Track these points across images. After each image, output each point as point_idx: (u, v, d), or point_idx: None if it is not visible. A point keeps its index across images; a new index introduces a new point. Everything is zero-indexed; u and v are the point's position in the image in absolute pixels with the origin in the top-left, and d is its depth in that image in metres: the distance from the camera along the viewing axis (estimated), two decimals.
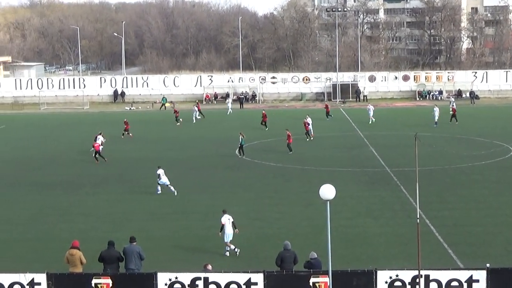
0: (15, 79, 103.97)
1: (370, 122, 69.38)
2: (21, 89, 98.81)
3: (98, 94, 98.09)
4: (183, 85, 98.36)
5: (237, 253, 28.85)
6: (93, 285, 22.01)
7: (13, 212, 36.58)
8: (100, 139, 53.20)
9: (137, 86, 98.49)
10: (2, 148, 58.28)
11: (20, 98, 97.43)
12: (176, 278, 22.11)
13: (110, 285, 22.06)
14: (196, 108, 75.82)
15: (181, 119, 71.67)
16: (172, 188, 39.86)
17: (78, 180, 44.50)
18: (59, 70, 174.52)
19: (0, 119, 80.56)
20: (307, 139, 58.14)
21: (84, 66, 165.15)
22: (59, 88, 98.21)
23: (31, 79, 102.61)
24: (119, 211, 36.81)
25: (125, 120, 63.28)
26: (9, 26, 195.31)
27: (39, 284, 21.71)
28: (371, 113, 70.33)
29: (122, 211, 36.77)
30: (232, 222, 29.07)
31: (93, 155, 50.43)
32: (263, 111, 68.91)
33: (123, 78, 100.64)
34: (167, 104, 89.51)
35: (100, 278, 22.13)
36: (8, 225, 34.19)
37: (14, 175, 46.47)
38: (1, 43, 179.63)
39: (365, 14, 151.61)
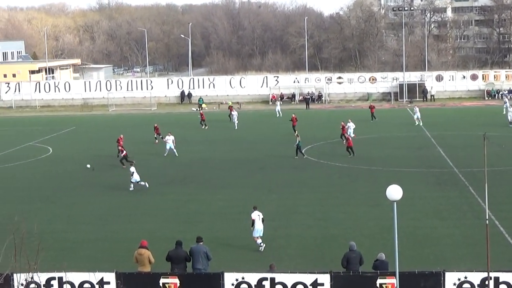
0: (85, 81, 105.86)
1: (416, 124, 67.81)
2: (90, 91, 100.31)
3: (165, 95, 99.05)
4: (249, 86, 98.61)
5: (262, 249, 29.36)
6: (161, 284, 22.21)
7: (83, 212, 37.22)
8: (171, 138, 53.99)
9: (203, 87, 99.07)
10: (72, 149, 59.29)
11: (89, 100, 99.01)
12: (243, 278, 22.13)
13: (178, 284, 22.22)
14: (234, 112, 72.58)
15: (207, 126, 70.78)
16: (143, 183, 41.85)
17: (146, 180, 44.96)
18: (127, 72, 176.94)
19: (70, 120, 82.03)
20: (344, 142, 56.15)
21: (152, 68, 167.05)
22: (127, 89, 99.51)
23: (100, 81, 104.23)
24: (186, 211, 37.11)
25: (155, 125, 62.50)
26: (79, 29, 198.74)
27: (108, 283, 21.99)
28: (417, 115, 68.81)
29: (189, 211, 37.06)
30: (262, 218, 29.75)
31: (120, 159, 50.39)
32: (293, 115, 66.18)
33: (190, 79, 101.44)
34: (204, 106, 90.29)
35: (168, 277, 22.31)
36: (78, 225, 34.76)
37: (83, 176, 47.22)
38: (71, 46, 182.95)
39: (432, 12, 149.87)
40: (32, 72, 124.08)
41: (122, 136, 54.48)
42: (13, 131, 72.91)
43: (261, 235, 29.73)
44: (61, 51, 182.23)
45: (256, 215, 29.77)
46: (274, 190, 41.35)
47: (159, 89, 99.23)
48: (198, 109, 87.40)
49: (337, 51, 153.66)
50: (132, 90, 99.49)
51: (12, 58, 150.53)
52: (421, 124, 67.34)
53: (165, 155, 53.74)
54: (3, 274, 16.97)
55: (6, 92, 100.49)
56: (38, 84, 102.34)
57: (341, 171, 46.81)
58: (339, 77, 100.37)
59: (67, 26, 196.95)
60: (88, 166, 48.22)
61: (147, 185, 42.05)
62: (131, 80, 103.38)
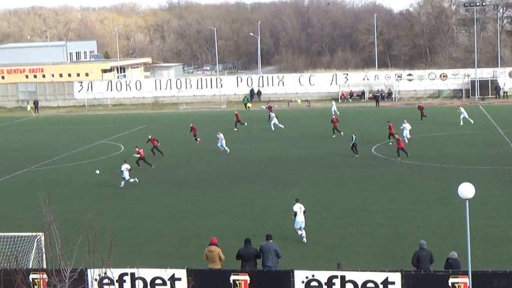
0: (155, 80, 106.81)
1: (461, 124, 65.18)
2: (160, 89, 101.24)
3: (235, 94, 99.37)
4: (319, 84, 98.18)
5: (304, 240, 30.37)
6: (231, 281, 22.27)
7: (154, 208, 37.67)
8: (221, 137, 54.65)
9: (272, 85, 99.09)
10: (143, 147, 59.79)
11: (160, 98, 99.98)
12: (313, 276, 21.99)
13: (248, 281, 22.25)
14: (273, 115, 69.36)
15: (245, 123, 70.13)
16: (132, 180, 43.35)
17: (215, 178, 45.30)
18: (197, 70, 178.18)
19: (141, 118, 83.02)
20: (390, 143, 55.12)
21: (221, 66, 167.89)
22: (197, 88, 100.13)
23: (170, 80, 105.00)
24: (255, 208, 37.21)
25: (191, 125, 62.35)
26: (149, 28, 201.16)
27: (179, 279, 22.12)
28: (464, 115, 66.16)
29: (259, 209, 37.15)
30: (304, 210, 30.76)
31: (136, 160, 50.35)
32: (333, 116, 65.33)
33: (259, 77, 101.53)
34: (249, 105, 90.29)
35: (238, 274, 22.36)
36: (149, 221, 35.20)
37: (154, 173, 47.75)
38: (141, 45, 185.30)
39: (505, 8, 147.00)
40: (104, 71, 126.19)
41: (150, 137, 55.21)
42: (86, 129, 74.15)
43: (303, 226, 30.65)
44: (132, 50, 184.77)
45: (298, 208, 30.75)
46: (344, 188, 41.17)
47: (229, 87, 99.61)
48: (247, 107, 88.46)
49: (407, 48, 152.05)
50: (202, 88, 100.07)
51: (85, 58, 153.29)
52: (471, 121, 65.47)
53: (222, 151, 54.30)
54: (77, 270, 17.23)
55: (79, 91, 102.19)
56: (110, 82, 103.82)
57: (412, 168, 46.28)
58: (409, 74, 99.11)
59: (138, 26, 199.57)
60: (97, 172, 48.20)
61: (137, 181, 43.68)
62: (201, 79, 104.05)
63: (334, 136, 60.68)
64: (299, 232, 30.67)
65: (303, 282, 21.93)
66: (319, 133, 63.66)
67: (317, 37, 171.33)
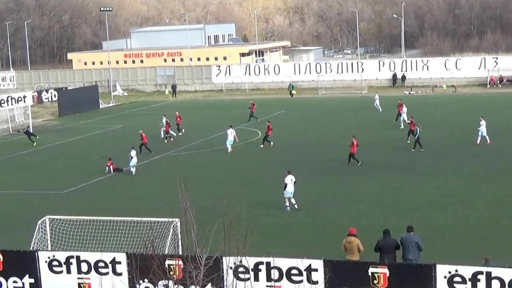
0: (294, 64, 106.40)
1: None
2: (299, 73, 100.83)
3: (377, 78, 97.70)
4: (466, 68, 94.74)
5: (288, 209, 33.87)
6: (369, 274, 21.50)
7: (295, 196, 36.81)
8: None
9: (416, 70, 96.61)
10: (282, 133, 59.72)
11: (299, 83, 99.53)
12: (456, 271, 20.92)
13: (387, 275, 21.43)
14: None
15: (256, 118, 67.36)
16: (132, 169, 44.61)
17: (356, 166, 44.32)
18: (337, 54, 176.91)
19: (279, 104, 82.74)
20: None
21: (363, 50, 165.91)
22: (337, 72, 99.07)
23: (309, 63, 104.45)
24: (397, 198, 36.11)
25: (177, 113, 62.39)
26: (289, 11, 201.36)
27: (315, 270, 21.56)
28: None
29: (400, 198, 36.04)
30: (294, 182, 34.01)
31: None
32: (399, 100, 63.17)
33: (402, 61, 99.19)
34: (294, 92, 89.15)
35: (377, 267, 21.56)
36: (291, 209, 34.64)
37: (293, 160, 47.22)
38: (280, 28, 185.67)
39: None
40: (242, 54, 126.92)
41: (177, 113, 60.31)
42: (223, 114, 74.58)
43: (291, 196, 34.20)
44: (271, 33, 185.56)
45: (289, 180, 34.12)
46: (490, 179, 39.34)
47: (370, 71, 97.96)
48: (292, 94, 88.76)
49: None
50: (342, 73, 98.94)
51: (223, 41, 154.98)
52: None
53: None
54: (213, 257, 16.94)
55: (217, 75, 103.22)
56: (248, 66, 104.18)
57: None
58: None
59: (277, 8, 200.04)
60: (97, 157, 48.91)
61: (134, 172, 44.75)
62: (341, 63, 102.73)
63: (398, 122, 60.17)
64: (292, 201, 34.18)
65: (445, 277, 20.91)
66: (466, 121, 61.27)
67: (465, 19, 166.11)
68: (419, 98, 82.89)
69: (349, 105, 77.72)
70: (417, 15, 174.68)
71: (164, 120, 57.83)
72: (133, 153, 44.76)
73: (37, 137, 59.25)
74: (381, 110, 68.48)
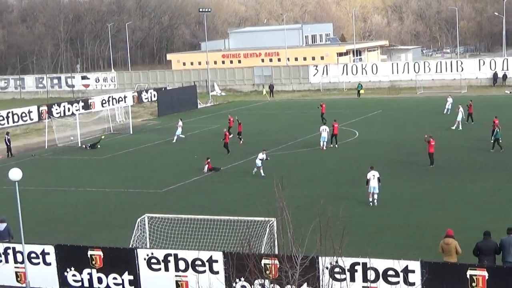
0: (392, 63, 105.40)
1: None
2: (397, 73, 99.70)
3: (477, 77, 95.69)
4: None
5: (371, 204, 34.87)
6: (468, 276, 21.15)
7: (391, 197, 36.56)
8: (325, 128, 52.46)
9: None
10: (378, 132, 59.29)
11: (397, 82, 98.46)
12: None
13: (486, 277, 21.01)
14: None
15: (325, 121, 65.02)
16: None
17: (458, 166, 43.54)
18: (436, 53, 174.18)
19: (377, 103, 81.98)
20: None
21: (462, 48, 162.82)
22: (436, 71, 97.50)
23: (407, 63, 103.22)
24: (499, 200, 35.35)
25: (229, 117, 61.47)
26: (387, 10, 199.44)
27: (413, 271, 21.41)
28: None
29: (503, 200, 35.25)
30: (378, 177, 34.85)
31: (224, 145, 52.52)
32: (470, 101, 62.36)
33: (504, 60, 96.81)
34: (361, 91, 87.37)
35: (476, 269, 21.16)
36: (385, 210, 34.44)
37: (391, 159, 46.80)
38: (378, 27, 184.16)
39: None
40: (340, 54, 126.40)
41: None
42: (320, 114, 74.25)
43: (376, 191, 34.92)
44: (368, 33, 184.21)
45: (371, 175, 34.85)
46: None
47: (470, 70, 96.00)
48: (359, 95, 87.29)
49: None
50: (441, 72, 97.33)
51: (320, 41, 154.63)
52: None
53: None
54: (309, 257, 16.96)
55: (314, 75, 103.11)
56: (345, 66, 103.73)
57: None
58: None
59: (375, 7, 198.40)
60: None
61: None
62: (440, 62, 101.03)
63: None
64: (374, 196, 35.00)
65: None
66: None
67: None
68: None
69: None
70: None
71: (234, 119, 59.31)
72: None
73: (103, 137, 61.34)
74: (447, 112, 66.77)
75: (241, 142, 56.56)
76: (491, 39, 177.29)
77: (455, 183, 39.47)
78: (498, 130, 47.81)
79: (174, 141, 59.09)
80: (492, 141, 48.20)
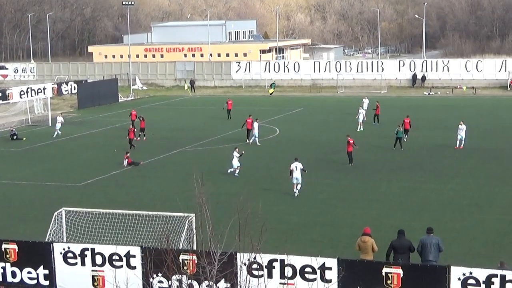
0: (314, 62, 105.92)
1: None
2: (319, 71, 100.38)
3: (396, 78, 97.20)
4: (486, 70, 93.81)
5: (296, 194, 35.72)
6: (383, 274, 21.44)
7: (307, 195, 36.99)
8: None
9: (436, 71, 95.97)
10: (299, 130, 59.66)
11: (318, 81, 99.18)
12: (471, 273, 20.83)
13: (401, 275, 21.35)
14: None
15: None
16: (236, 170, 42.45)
17: (373, 165, 44.19)
18: (358, 53, 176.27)
19: (298, 101, 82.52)
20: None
21: (383, 49, 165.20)
22: (357, 71, 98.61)
23: (329, 62, 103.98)
24: (413, 199, 35.99)
25: (132, 111, 62.14)
26: (310, 9, 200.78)
27: (329, 268, 21.53)
28: None
29: (417, 199, 35.90)
30: (301, 169, 35.75)
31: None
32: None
33: (423, 62, 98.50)
34: (270, 91, 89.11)
35: (391, 267, 21.49)
36: (303, 207, 34.70)
37: (310, 158, 46.98)
38: (301, 26, 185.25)
39: None
40: (263, 51, 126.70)
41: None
42: (242, 110, 74.37)
43: (299, 182, 35.76)
44: (291, 31, 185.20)
45: (294, 166, 35.78)
46: (509, 182, 39.10)
47: (390, 71, 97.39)
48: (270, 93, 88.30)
49: None
50: (362, 72, 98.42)
51: (243, 38, 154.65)
52: None
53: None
54: (227, 253, 16.94)
55: (236, 71, 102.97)
56: (268, 63, 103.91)
57: None
58: None
59: (299, 5, 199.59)
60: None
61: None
62: (361, 62, 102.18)
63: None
64: (298, 187, 35.79)
65: (459, 279, 20.83)
66: (486, 123, 60.96)
67: (487, 21, 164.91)
68: (439, 99, 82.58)
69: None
70: (439, 16, 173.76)
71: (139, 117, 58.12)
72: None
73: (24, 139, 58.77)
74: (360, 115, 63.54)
75: (145, 138, 55.95)
76: (411, 41, 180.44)
77: (372, 182, 39.98)
78: (399, 129, 49.29)
79: (54, 135, 58.21)
80: (406, 140, 49.41)
